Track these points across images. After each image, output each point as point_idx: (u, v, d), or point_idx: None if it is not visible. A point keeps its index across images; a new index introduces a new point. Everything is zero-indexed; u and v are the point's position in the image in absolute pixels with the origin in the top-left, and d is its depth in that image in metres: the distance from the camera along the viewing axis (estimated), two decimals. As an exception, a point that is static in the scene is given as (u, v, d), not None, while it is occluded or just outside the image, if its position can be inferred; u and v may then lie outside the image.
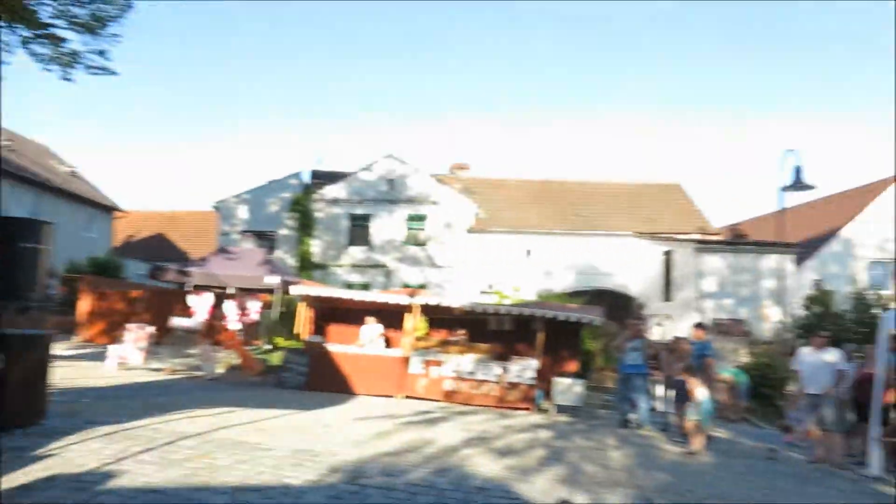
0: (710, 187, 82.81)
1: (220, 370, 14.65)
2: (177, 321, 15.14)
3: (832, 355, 9.65)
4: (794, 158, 17.44)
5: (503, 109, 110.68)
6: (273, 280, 15.75)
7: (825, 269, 25.43)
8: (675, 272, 24.29)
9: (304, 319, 14.71)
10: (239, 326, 15.34)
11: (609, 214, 29.28)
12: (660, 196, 31.25)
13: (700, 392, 9.05)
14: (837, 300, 20.27)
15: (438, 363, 13.16)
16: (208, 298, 15.21)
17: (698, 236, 25.99)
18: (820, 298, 20.05)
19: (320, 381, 13.20)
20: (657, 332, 22.07)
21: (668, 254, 25.19)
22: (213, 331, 16.00)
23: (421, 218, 28.59)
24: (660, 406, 12.61)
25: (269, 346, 17.30)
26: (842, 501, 6.73)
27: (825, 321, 18.32)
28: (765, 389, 15.91)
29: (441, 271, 27.85)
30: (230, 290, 16.29)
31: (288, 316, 17.18)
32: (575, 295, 23.96)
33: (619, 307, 24.68)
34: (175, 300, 17.46)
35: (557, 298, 22.44)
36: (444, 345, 14.12)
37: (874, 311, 17.86)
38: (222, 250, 19.04)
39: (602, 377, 16.56)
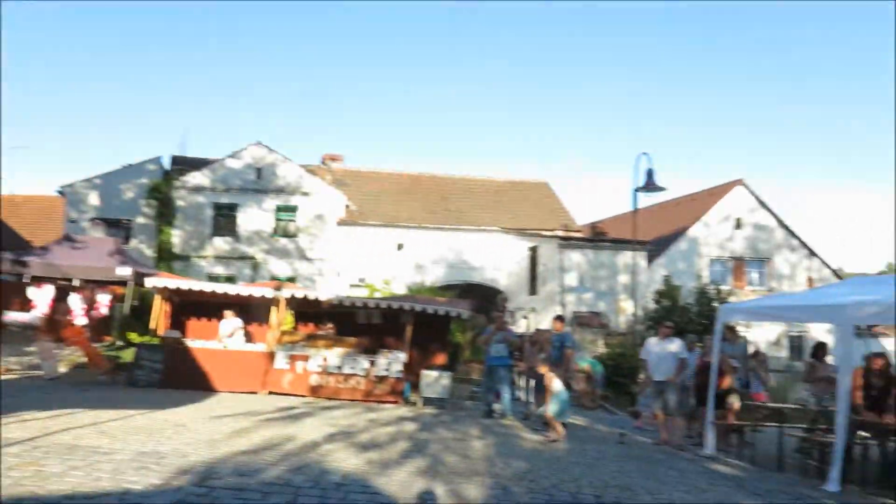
0: (575, 186, 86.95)
1: (62, 369, 13.47)
2: (12, 316, 13.76)
3: (676, 345, 10.39)
4: (647, 161, 18.62)
5: (376, 102, 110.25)
6: (125, 271, 14.68)
7: (674, 265, 27.44)
8: (541, 267, 25.26)
9: (160, 313, 13.84)
10: (85, 321, 14.19)
11: (479, 210, 29.94)
12: (527, 193, 32.37)
13: (556, 383, 9.41)
14: (683, 294, 21.91)
15: (304, 358, 12.85)
16: (49, 291, 13.93)
17: (562, 233, 27.17)
18: (668, 293, 21.60)
19: (177, 378, 12.49)
20: (523, 325, 22.85)
21: (533, 249, 26.14)
22: (55, 326, 14.67)
23: (291, 209, 27.81)
24: (523, 396, 13.05)
25: (121, 343, 16.14)
26: (679, 480, 7.23)
27: (672, 314, 19.76)
28: (619, 378, 16.91)
29: (311, 264, 27.26)
30: (76, 283, 15.01)
31: (142, 310, 16.13)
32: (445, 288, 24.30)
33: (488, 300, 25.33)
34: (13, 293, 15.85)
35: (428, 292, 22.67)
36: (311, 339, 13.81)
37: (714, 304, 19.46)
38: (67, 238, 17.49)
39: (470, 369, 16.89)
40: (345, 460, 6.66)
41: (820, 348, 11.06)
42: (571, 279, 23.72)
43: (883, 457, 8.32)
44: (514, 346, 12.85)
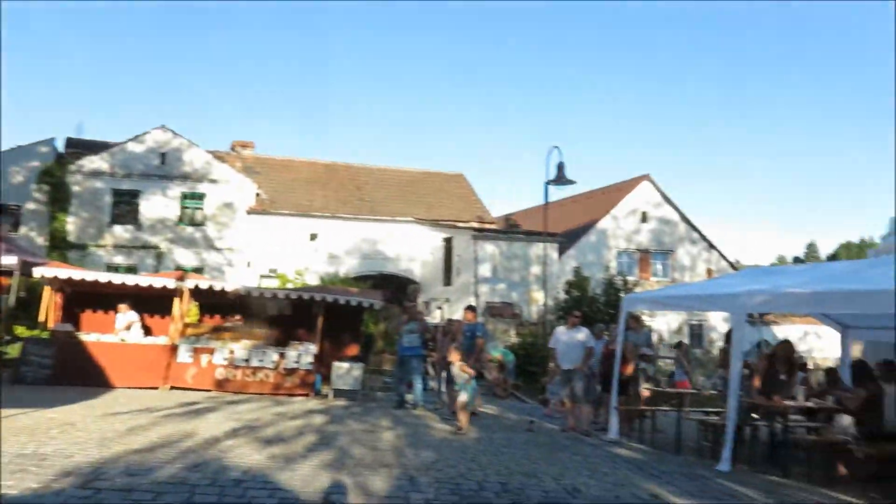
0: (490, 179, 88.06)
1: (-64, 366, 12.38)
2: None
3: (583, 334, 10.63)
4: (559, 155, 18.99)
5: (291, 90, 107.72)
6: (10, 260, 13.59)
7: (584, 257, 28.22)
8: (455, 258, 25.38)
9: (49, 306, 12.96)
10: (-37, 315, 13.08)
11: (394, 200, 29.75)
12: (443, 185, 32.44)
13: (467, 372, 9.43)
14: (592, 285, 22.55)
15: (210, 351, 12.36)
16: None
17: (477, 224, 27.40)
18: (578, 283, 22.17)
19: (69, 374, 11.74)
20: (438, 316, 22.92)
21: (448, 240, 26.24)
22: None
23: (198, 196, 26.69)
24: (435, 386, 13.05)
25: (8, 337, 15.00)
26: (582, 464, 7.40)
27: (582, 304, 20.28)
28: (531, 367, 17.20)
29: (220, 254, 26.30)
30: (-48, 272, 13.79)
31: (31, 302, 15.06)
32: (359, 279, 24.03)
33: (403, 291, 25.25)
34: None
35: (342, 283, 22.36)
36: (217, 331, 13.31)
37: (621, 294, 20.12)
38: (-56, 225, 16.08)
39: (382, 360, 16.77)
40: (247, 456, 6.42)
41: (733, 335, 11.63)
42: (485, 270, 23.96)
43: (771, 437, 8.81)
44: (427, 336, 12.84)
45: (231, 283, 15.89)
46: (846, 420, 7.76)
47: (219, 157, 28.08)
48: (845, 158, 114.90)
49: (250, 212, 26.74)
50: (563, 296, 22.01)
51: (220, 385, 12.19)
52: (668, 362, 19.82)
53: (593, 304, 20.65)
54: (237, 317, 13.89)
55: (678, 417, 9.67)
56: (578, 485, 6.34)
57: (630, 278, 24.03)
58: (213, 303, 14.27)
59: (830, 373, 10.23)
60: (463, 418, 9.08)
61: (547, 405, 12.42)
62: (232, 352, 12.39)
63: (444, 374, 12.28)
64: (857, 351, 12.81)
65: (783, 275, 11.57)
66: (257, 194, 27.26)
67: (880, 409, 7.55)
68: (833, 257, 64.96)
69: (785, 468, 7.73)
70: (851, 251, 64.79)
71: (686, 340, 27.37)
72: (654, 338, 21.24)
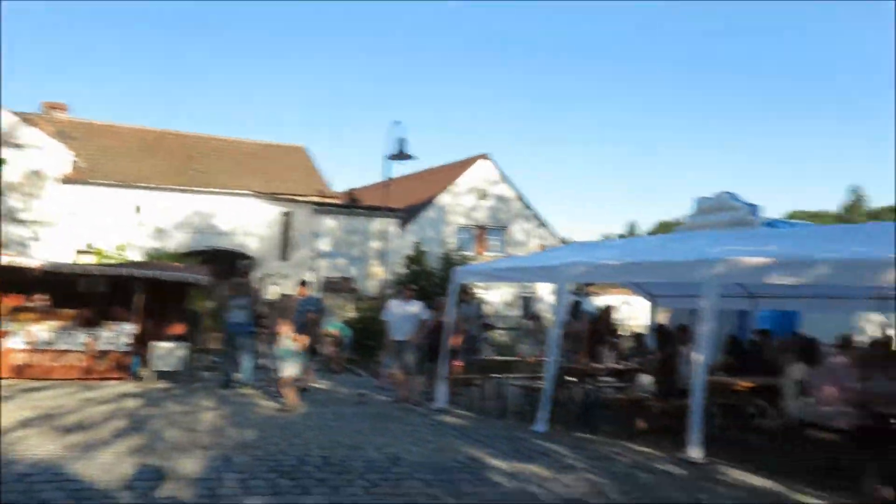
0: (333, 153, 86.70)
1: None
2: None
3: (416, 307, 10.78)
4: (399, 130, 19.02)
5: (118, 50, 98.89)
6: None
7: (423, 232, 28.61)
8: (294, 233, 24.73)
9: None
10: None
11: (229, 172, 28.27)
12: (283, 157, 31.35)
13: (295, 344, 9.22)
14: (431, 260, 22.96)
15: (4, 334, 11.07)
16: None
17: (317, 199, 26.82)
18: (417, 258, 22.47)
19: None
20: (274, 292, 22.20)
21: (287, 215, 25.48)
22: None
23: (-2, 163, 23.69)
24: (266, 364, 12.65)
25: None
26: (409, 434, 7.52)
27: (420, 278, 20.60)
28: (368, 342, 17.20)
29: (25, 227, 23.60)
30: None
31: None
32: (189, 255, 22.66)
33: (237, 267, 24.17)
34: None
35: (169, 258, 20.98)
36: (17, 312, 11.95)
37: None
38: None
39: (210, 338, 15.98)
40: (38, 447, 5.83)
41: (575, 306, 12.34)
42: (325, 245, 23.59)
43: (586, 397, 9.48)
44: (259, 312, 12.40)
45: (37, 259, 14.31)
46: (646, 379, 8.51)
47: (27, 119, 25.08)
48: (663, 145, 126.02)
49: (65, 181, 24.21)
50: (403, 270, 22.22)
51: (20, 371, 10.98)
52: (502, 333, 20.76)
53: (431, 279, 21.05)
54: (43, 296, 12.56)
55: (504, 384, 10.13)
56: (402, 453, 6.43)
57: (467, 253, 24.74)
58: (13, 281, 12.77)
59: (637, 338, 11.20)
60: (290, 394, 8.87)
61: (379, 377, 12.50)
62: (33, 334, 11.20)
63: (275, 352, 11.95)
64: (665, 319, 14.17)
65: (602, 248, 12.48)
66: (74, 162, 24.73)
67: (675, 368, 8.34)
68: (651, 235, 71.24)
69: (594, 426, 8.36)
70: (668, 229, 71.41)
71: (519, 312, 28.80)
72: (487, 310, 22.10)
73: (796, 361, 7.28)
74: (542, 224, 32.67)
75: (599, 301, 24.44)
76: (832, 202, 74.65)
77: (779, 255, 6.89)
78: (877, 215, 60.40)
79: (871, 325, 13.22)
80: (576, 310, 12.75)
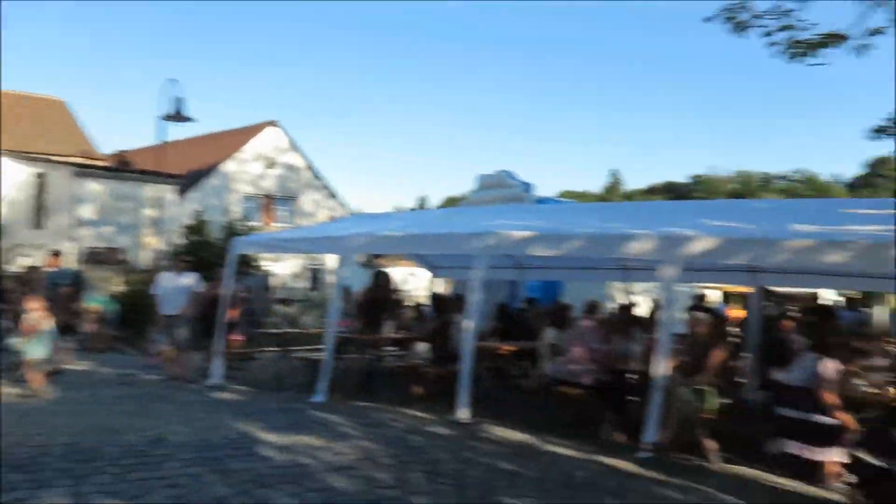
0: (102, 112, 78.24)
1: None
2: None
3: (190, 279, 10.12)
4: (175, 89, 17.62)
5: None
6: None
7: (206, 200, 26.92)
8: (49, 197, 21.91)
9: None
10: None
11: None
12: (38, 111, 27.61)
13: (44, 322, 8.20)
14: (214, 230, 21.70)
15: None
16: None
17: (79, 160, 24.02)
18: (197, 228, 21.08)
19: None
20: (22, 264, 19.55)
21: (41, 176, 22.48)
22: None
23: None
24: (15, 346, 11.12)
25: None
26: (177, 413, 7.07)
27: (201, 249, 19.37)
28: (138, 317, 15.86)
29: None
30: None
31: None
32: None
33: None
34: None
35: None
36: None
37: (242, 239, 19.73)
38: None
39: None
40: None
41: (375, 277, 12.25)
42: (88, 212, 21.24)
43: (367, 366, 9.62)
44: (2, 287, 10.87)
45: None
46: (423, 347, 8.84)
47: None
48: (451, 123, 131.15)
49: None
50: (181, 241, 20.73)
51: None
52: (289, 305, 20.31)
53: (212, 249, 19.89)
54: None
55: (284, 357, 9.92)
56: (167, 433, 6.03)
57: (254, 223, 23.77)
58: None
59: (417, 308, 11.58)
60: (35, 378, 7.86)
61: (149, 355, 11.62)
62: None
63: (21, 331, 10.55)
64: (448, 290, 14.80)
65: (387, 220, 12.65)
66: None
67: (449, 335, 8.75)
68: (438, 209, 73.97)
69: (374, 394, 8.52)
70: (454, 204, 74.61)
71: (306, 284, 28.42)
72: (275, 282, 21.51)
73: (550, 326, 8.02)
74: (333, 195, 32.47)
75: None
76: (597, 184, 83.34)
77: (540, 229, 7.49)
78: (630, 196, 69.32)
79: (619, 293, 14.99)
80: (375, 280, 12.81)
